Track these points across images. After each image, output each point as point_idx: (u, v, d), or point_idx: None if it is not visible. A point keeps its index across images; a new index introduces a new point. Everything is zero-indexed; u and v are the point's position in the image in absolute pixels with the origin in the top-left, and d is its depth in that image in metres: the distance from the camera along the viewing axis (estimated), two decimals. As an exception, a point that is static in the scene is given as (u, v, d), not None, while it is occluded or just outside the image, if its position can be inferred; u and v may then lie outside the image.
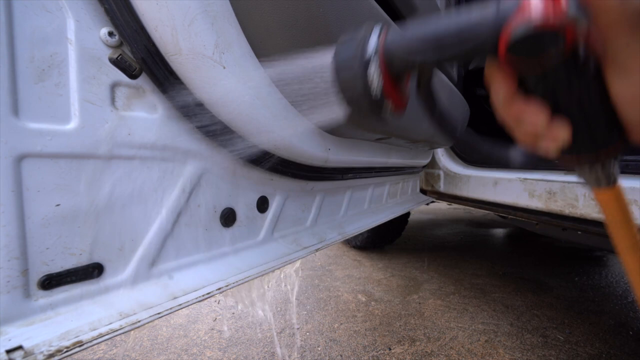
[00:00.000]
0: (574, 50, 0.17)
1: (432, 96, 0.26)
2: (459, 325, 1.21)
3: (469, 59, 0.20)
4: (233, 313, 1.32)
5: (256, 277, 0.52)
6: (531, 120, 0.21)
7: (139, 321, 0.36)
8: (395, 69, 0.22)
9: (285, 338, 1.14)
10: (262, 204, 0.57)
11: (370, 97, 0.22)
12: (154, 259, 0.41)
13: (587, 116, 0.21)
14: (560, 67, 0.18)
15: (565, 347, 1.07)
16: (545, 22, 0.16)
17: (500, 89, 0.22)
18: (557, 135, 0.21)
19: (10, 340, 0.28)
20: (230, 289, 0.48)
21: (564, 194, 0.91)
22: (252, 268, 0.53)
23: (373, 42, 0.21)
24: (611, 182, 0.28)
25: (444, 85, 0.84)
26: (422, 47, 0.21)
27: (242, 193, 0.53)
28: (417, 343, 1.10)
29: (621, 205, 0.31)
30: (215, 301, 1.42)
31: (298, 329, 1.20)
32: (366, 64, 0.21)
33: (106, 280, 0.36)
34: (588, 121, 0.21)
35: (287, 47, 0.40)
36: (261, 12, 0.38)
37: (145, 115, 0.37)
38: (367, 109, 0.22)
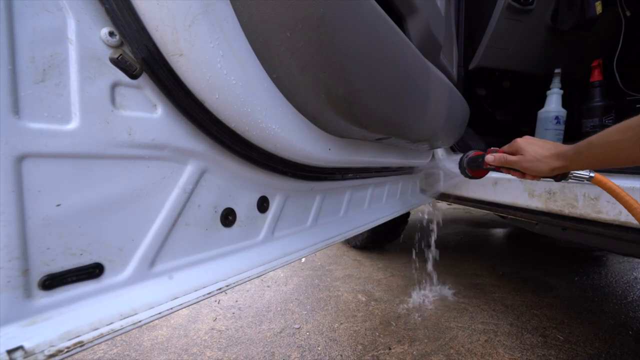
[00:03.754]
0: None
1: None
2: (459, 325, 1.21)
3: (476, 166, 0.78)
4: (233, 313, 1.32)
5: (256, 277, 0.52)
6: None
7: (139, 321, 0.36)
8: (470, 167, 0.79)
9: (285, 338, 1.14)
10: (263, 204, 0.57)
11: (465, 171, 0.81)
12: (154, 259, 0.41)
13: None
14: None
15: (565, 347, 1.07)
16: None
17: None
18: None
19: (11, 340, 0.28)
20: (230, 288, 0.48)
21: (563, 193, 0.91)
22: (252, 268, 0.53)
23: (468, 155, 0.80)
24: (588, 179, 0.61)
25: (444, 85, 0.84)
26: (473, 164, 0.78)
27: (243, 193, 0.53)
28: (417, 343, 1.10)
29: (607, 183, 0.60)
30: (215, 301, 1.42)
31: (298, 328, 1.20)
32: (464, 167, 0.81)
33: (107, 280, 0.36)
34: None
35: (287, 48, 0.40)
36: (262, 12, 0.38)
37: (146, 115, 0.37)
38: (465, 175, 0.82)
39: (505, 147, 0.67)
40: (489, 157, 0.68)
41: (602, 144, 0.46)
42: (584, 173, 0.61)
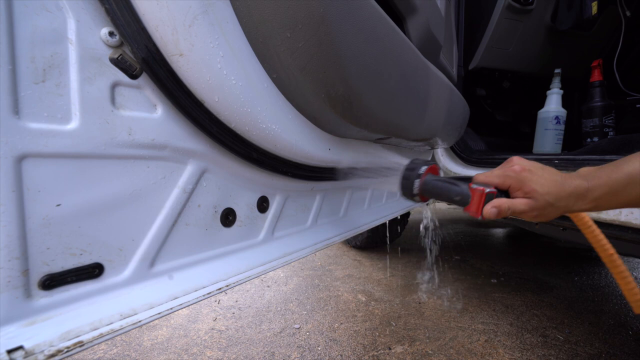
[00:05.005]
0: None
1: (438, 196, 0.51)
2: (459, 325, 1.21)
3: (450, 203, 0.50)
4: (233, 313, 1.32)
5: (256, 277, 0.52)
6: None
7: (139, 321, 0.36)
8: (424, 193, 0.50)
9: (285, 338, 1.14)
10: (263, 204, 0.57)
11: (413, 195, 0.51)
12: (154, 259, 0.41)
13: None
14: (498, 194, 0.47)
15: (564, 347, 1.07)
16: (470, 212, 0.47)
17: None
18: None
19: (11, 340, 0.28)
20: (230, 289, 0.48)
21: (563, 194, 0.91)
22: (252, 268, 0.53)
23: (420, 173, 0.50)
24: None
25: (444, 85, 0.84)
26: (434, 191, 0.50)
27: (243, 193, 0.53)
28: (417, 343, 1.10)
29: (585, 223, 0.54)
30: (215, 301, 1.42)
31: (298, 328, 1.20)
32: (412, 185, 0.50)
33: (107, 280, 0.36)
34: None
35: (287, 48, 0.40)
36: (262, 12, 0.38)
37: (146, 115, 0.37)
38: (410, 198, 0.52)
39: (494, 178, 0.46)
40: (491, 211, 0.44)
41: None
42: None
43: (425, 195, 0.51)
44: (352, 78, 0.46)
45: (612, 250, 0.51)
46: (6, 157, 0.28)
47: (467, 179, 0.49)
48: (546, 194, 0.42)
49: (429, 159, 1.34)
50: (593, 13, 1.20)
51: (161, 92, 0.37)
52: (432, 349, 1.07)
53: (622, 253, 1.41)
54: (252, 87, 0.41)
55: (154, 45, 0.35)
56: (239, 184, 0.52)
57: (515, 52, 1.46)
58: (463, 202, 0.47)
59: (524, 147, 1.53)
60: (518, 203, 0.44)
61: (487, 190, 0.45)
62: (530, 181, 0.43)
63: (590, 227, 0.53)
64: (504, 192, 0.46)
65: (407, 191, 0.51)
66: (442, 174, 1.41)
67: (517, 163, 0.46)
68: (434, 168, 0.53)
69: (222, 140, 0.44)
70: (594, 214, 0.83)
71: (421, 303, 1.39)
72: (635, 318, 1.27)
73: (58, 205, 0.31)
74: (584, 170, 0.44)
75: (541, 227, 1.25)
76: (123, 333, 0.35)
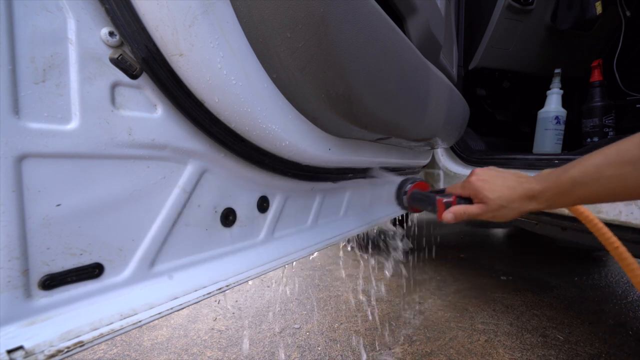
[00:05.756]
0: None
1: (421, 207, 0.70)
2: (459, 325, 1.21)
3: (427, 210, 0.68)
4: (233, 313, 1.31)
5: (256, 277, 0.52)
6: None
7: (139, 321, 0.36)
8: (412, 204, 0.72)
9: (285, 338, 1.13)
10: (263, 204, 0.57)
11: (405, 207, 0.75)
12: (154, 259, 0.41)
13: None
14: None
15: (564, 347, 1.07)
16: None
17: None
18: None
19: (11, 340, 0.28)
20: (230, 289, 0.48)
21: (563, 194, 0.91)
22: (252, 268, 0.53)
23: (407, 190, 0.74)
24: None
25: (444, 85, 0.84)
26: (416, 204, 0.70)
27: (243, 193, 0.53)
28: (417, 343, 1.10)
29: (584, 213, 0.56)
30: (215, 301, 1.42)
31: (298, 328, 1.20)
32: (402, 199, 0.74)
33: (107, 280, 0.36)
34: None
35: (287, 48, 0.40)
36: (262, 12, 0.38)
37: (146, 115, 0.37)
38: (403, 209, 0.76)
39: (459, 189, 0.57)
40: (448, 216, 0.55)
41: (593, 182, 0.39)
42: None
43: (413, 207, 0.72)
44: (352, 78, 0.46)
45: (617, 243, 0.53)
46: (6, 157, 0.28)
47: (444, 191, 0.62)
48: (497, 198, 0.49)
49: (429, 159, 1.34)
50: (598, 13, 1.20)
51: (161, 92, 0.37)
52: (432, 349, 1.07)
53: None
54: (252, 87, 0.41)
55: (154, 45, 0.35)
56: (239, 184, 0.52)
57: (515, 52, 1.46)
58: (434, 210, 0.59)
59: (524, 147, 1.53)
60: (472, 207, 0.53)
61: (445, 199, 0.57)
62: (483, 189, 0.51)
63: (592, 221, 0.56)
64: (468, 200, 0.55)
65: (400, 204, 0.75)
66: (442, 175, 1.42)
67: (475, 174, 0.54)
68: (421, 184, 0.73)
69: (222, 140, 0.44)
70: (594, 214, 0.83)
71: (421, 303, 1.39)
72: (635, 318, 1.27)
73: (58, 205, 0.31)
74: (543, 172, 0.48)
75: (541, 227, 1.25)
76: (123, 333, 0.35)
